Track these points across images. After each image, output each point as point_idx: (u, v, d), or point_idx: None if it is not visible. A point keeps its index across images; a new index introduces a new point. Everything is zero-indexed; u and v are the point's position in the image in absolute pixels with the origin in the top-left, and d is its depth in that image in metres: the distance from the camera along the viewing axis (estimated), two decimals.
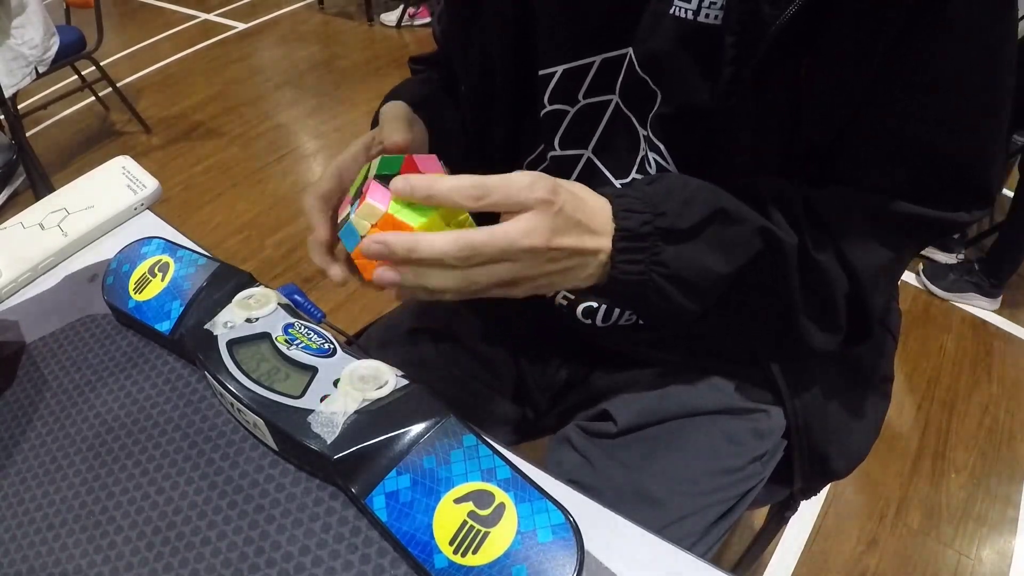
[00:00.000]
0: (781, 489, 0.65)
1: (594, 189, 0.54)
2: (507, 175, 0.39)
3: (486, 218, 0.40)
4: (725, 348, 0.57)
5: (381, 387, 0.40)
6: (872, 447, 0.64)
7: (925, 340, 1.59)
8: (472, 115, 0.58)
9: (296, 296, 0.49)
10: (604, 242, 0.41)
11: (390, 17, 3.33)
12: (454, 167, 0.56)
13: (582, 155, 0.55)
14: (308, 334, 0.44)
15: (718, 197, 0.43)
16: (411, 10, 3.27)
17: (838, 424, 0.60)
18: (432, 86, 0.63)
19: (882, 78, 0.42)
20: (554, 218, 0.39)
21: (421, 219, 0.39)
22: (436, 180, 0.38)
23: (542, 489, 0.36)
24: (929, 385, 1.48)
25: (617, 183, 0.55)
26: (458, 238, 0.37)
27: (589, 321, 0.58)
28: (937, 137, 0.44)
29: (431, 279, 0.39)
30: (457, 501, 0.35)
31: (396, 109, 0.54)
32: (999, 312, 1.66)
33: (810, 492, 0.67)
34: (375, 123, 0.58)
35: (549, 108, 0.54)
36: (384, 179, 0.40)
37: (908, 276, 1.76)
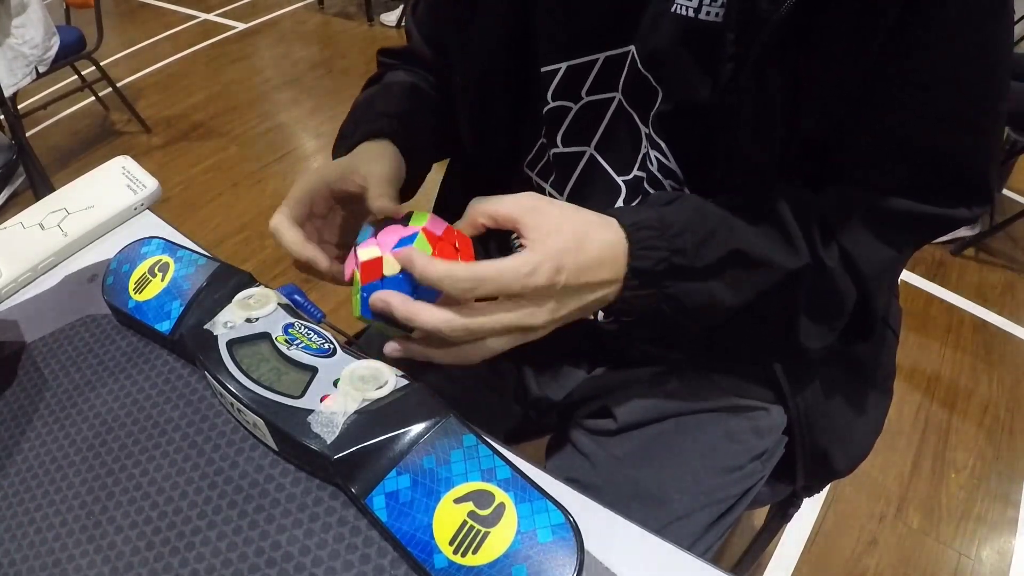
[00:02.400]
0: (783, 487, 0.65)
1: (602, 193, 0.54)
2: (502, 264, 0.38)
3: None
4: (728, 347, 0.57)
5: (381, 387, 0.40)
6: (873, 445, 0.64)
7: (925, 340, 1.59)
8: (470, 112, 0.58)
9: (296, 296, 0.49)
10: (613, 287, 0.42)
11: (390, 17, 3.33)
12: (423, 169, 0.55)
13: (584, 152, 0.55)
14: (308, 334, 0.44)
15: (735, 234, 0.43)
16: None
17: (840, 421, 0.60)
18: (411, 98, 0.61)
19: (879, 74, 0.42)
20: (555, 298, 0.40)
21: None
22: (430, 264, 0.38)
23: (542, 489, 0.36)
24: (929, 385, 1.48)
25: (619, 179, 0.55)
26: (452, 318, 0.38)
27: (591, 318, 0.58)
28: (935, 134, 0.44)
29: (432, 353, 0.41)
30: (457, 501, 0.35)
31: (383, 164, 0.50)
32: (999, 312, 1.66)
33: (812, 490, 0.67)
34: (341, 137, 0.57)
35: (552, 105, 0.54)
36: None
37: (909, 276, 1.76)
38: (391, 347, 0.43)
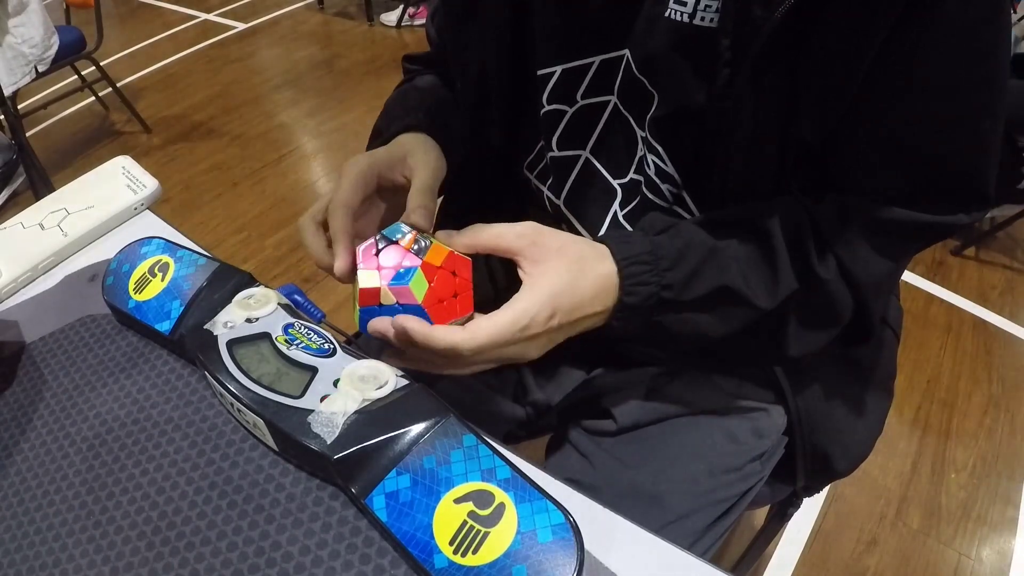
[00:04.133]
0: (783, 487, 0.65)
1: (598, 197, 0.54)
2: (502, 320, 0.40)
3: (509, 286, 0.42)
4: (726, 354, 0.57)
5: (381, 387, 0.40)
6: (874, 445, 0.64)
7: (925, 340, 1.59)
8: (469, 114, 0.58)
9: (296, 296, 0.48)
10: (602, 318, 0.44)
11: (390, 17, 3.33)
12: (458, 168, 0.56)
13: (580, 155, 0.55)
14: (308, 334, 0.44)
15: (724, 271, 0.44)
16: (411, 10, 3.27)
17: (840, 422, 0.60)
18: (438, 97, 0.62)
19: (876, 80, 0.42)
20: (550, 333, 0.42)
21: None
22: (431, 338, 0.39)
23: (542, 489, 0.36)
24: (929, 385, 1.48)
25: (615, 183, 0.55)
26: (451, 343, 0.39)
27: None
28: (932, 141, 0.44)
29: (426, 365, 0.43)
30: (457, 501, 0.35)
31: (428, 156, 0.50)
32: (999, 312, 1.66)
33: (812, 490, 0.67)
34: (375, 134, 0.58)
35: (548, 108, 0.54)
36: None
37: (909, 276, 1.76)
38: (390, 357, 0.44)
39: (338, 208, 0.46)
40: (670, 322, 0.45)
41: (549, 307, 0.40)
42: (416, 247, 0.43)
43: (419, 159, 0.50)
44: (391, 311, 0.42)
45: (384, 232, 0.44)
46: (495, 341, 0.39)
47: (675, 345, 0.47)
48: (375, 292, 0.42)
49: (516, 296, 0.41)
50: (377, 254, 0.43)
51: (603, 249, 0.43)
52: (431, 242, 0.44)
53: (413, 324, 0.39)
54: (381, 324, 0.41)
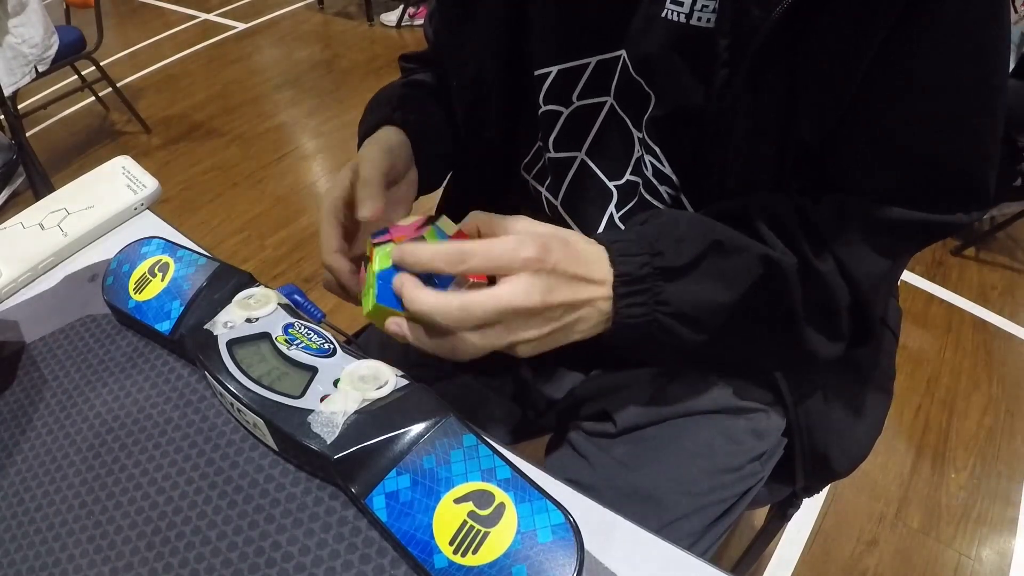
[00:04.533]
0: (783, 488, 0.65)
1: (595, 198, 0.54)
2: (491, 240, 0.38)
3: None
4: (735, 369, 0.56)
5: (381, 387, 0.40)
6: (873, 446, 0.64)
7: (925, 340, 1.59)
8: (466, 115, 0.58)
9: (296, 296, 0.49)
10: (603, 290, 0.41)
11: (390, 17, 3.33)
12: (443, 163, 0.57)
13: (576, 157, 0.55)
14: (308, 334, 0.44)
15: (711, 230, 0.43)
16: (411, 10, 3.27)
17: (840, 423, 0.60)
18: (413, 89, 0.63)
19: (874, 80, 0.42)
20: (547, 277, 0.38)
21: None
22: (418, 248, 0.38)
23: (542, 489, 0.36)
24: (929, 385, 1.48)
25: (610, 184, 0.55)
26: (447, 300, 0.37)
27: None
28: (931, 140, 0.44)
29: (429, 342, 0.40)
30: (457, 501, 0.35)
31: (372, 150, 0.51)
32: (999, 312, 1.66)
33: (812, 490, 0.67)
34: (358, 145, 0.58)
35: (544, 108, 0.54)
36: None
37: (909, 276, 1.76)
38: (393, 324, 0.41)
39: (328, 256, 0.48)
40: (673, 294, 0.42)
41: (542, 239, 0.38)
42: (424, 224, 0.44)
43: (364, 155, 0.51)
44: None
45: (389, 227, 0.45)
46: (486, 252, 0.37)
47: (689, 332, 0.44)
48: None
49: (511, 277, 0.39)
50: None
51: (589, 238, 0.43)
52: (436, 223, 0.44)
53: (407, 282, 0.39)
54: (400, 277, 0.40)
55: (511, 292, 0.37)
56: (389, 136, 0.54)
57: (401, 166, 0.53)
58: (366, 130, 0.56)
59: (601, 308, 0.41)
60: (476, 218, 0.43)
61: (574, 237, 0.41)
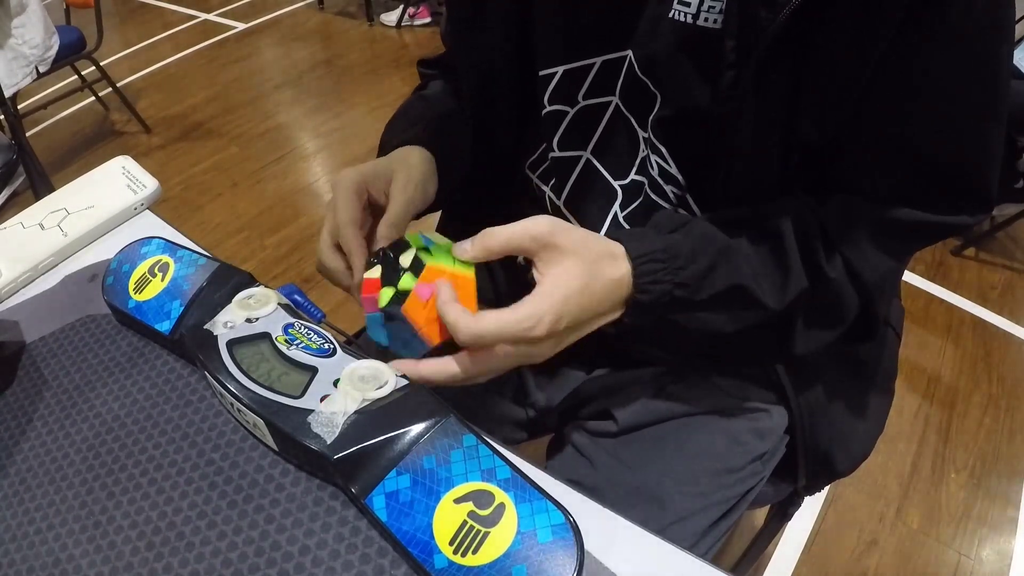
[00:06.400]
0: (784, 486, 0.65)
1: (599, 197, 0.54)
2: (507, 317, 0.39)
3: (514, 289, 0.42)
4: (729, 353, 0.57)
5: (381, 387, 0.40)
6: (875, 444, 0.64)
7: (925, 340, 1.59)
8: (474, 115, 0.58)
9: (296, 296, 0.48)
10: (612, 315, 0.43)
11: (390, 17, 3.33)
12: (461, 178, 0.56)
13: (581, 156, 0.55)
14: (308, 334, 0.44)
15: (737, 269, 0.44)
16: (411, 10, 3.27)
17: (842, 421, 0.60)
18: (441, 109, 0.61)
19: (879, 82, 0.42)
20: (558, 336, 0.41)
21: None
22: (442, 305, 0.40)
23: (542, 489, 0.36)
24: (929, 385, 1.48)
25: (615, 184, 0.55)
26: (456, 374, 0.40)
27: None
28: (935, 143, 0.44)
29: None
30: (457, 501, 0.35)
31: (407, 170, 0.50)
32: (999, 312, 1.66)
33: (813, 489, 0.67)
34: (380, 147, 0.58)
35: (549, 108, 0.54)
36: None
37: (909, 276, 1.76)
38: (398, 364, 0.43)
39: (346, 227, 0.47)
40: (681, 320, 0.44)
41: (558, 311, 0.39)
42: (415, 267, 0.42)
43: (398, 185, 0.49)
44: (394, 328, 0.42)
45: (384, 248, 0.44)
46: (498, 334, 0.38)
47: (683, 342, 0.47)
48: (375, 300, 0.42)
49: (527, 298, 0.40)
50: (382, 268, 0.43)
51: (618, 248, 0.42)
52: (429, 261, 0.42)
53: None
54: (397, 364, 0.42)
55: (518, 357, 0.41)
56: (392, 160, 0.53)
57: (381, 193, 0.51)
58: (391, 149, 0.55)
59: (608, 321, 0.43)
60: (488, 242, 0.42)
61: (598, 277, 0.41)
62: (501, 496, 0.35)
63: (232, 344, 0.43)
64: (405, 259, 0.43)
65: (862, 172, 0.46)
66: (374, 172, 0.50)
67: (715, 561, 0.39)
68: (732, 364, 0.58)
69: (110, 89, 2.44)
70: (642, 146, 0.52)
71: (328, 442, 0.37)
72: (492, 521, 0.34)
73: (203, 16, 3.58)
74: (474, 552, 0.33)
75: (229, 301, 0.46)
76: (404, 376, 0.41)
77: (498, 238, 0.41)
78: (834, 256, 0.46)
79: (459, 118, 0.60)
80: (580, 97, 0.53)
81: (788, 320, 0.47)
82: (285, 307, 0.46)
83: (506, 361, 0.40)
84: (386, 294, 0.41)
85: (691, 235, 0.44)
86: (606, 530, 0.39)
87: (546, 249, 0.40)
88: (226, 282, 0.48)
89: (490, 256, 0.42)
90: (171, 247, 0.52)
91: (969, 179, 0.45)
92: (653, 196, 0.53)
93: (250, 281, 0.49)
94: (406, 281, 0.41)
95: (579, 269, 0.40)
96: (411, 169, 0.51)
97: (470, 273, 0.43)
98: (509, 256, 0.43)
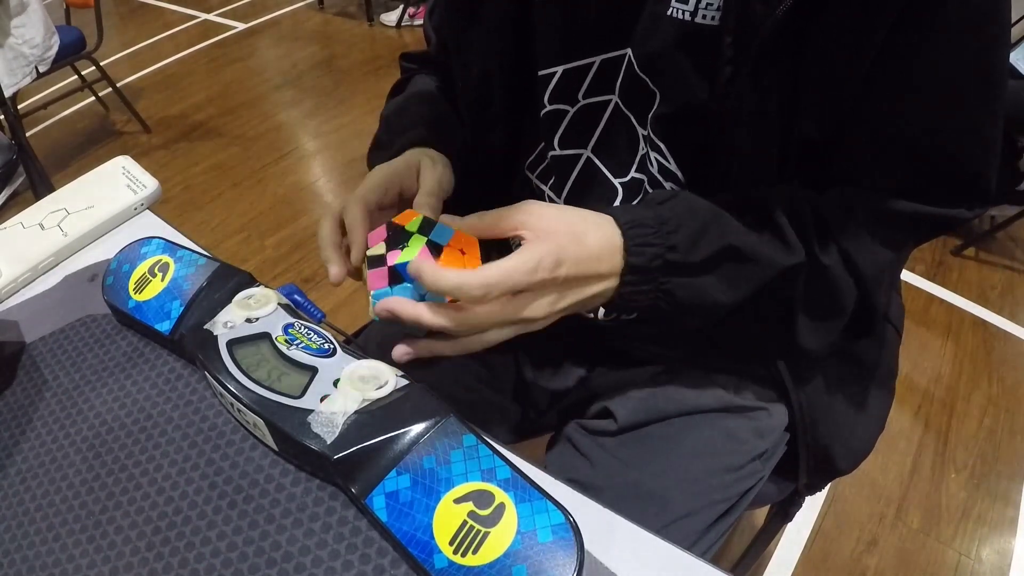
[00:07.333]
0: (785, 485, 0.65)
1: (600, 196, 0.54)
2: (509, 264, 0.39)
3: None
4: (730, 346, 0.57)
5: (381, 387, 0.40)
6: (875, 443, 0.64)
7: (925, 340, 1.59)
8: (470, 115, 0.58)
9: (296, 296, 0.49)
10: (610, 282, 0.43)
11: (390, 17, 3.33)
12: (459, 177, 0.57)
13: (581, 154, 0.55)
14: (308, 334, 0.44)
15: (728, 230, 0.44)
16: (411, 10, 3.27)
17: (843, 419, 0.60)
18: (437, 110, 0.62)
19: (877, 76, 0.42)
20: (559, 288, 0.41)
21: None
22: (441, 277, 0.39)
23: (542, 489, 0.36)
24: (929, 385, 1.48)
25: (616, 182, 0.55)
26: (456, 317, 0.40)
27: (591, 316, 0.58)
28: (934, 135, 0.44)
29: (436, 348, 0.43)
30: (457, 501, 0.35)
31: (437, 170, 0.52)
32: (999, 312, 1.66)
33: (814, 488, 0.67)
34: (376, 145, 0.59)
35: (549, 108, 0.54)
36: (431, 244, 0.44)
37: (909, 276, 1.76)
38: (400, 351, 0.44)
39: (355, 201, 0.47)
40: (678, 287, 0.44)
41: (555, 254, 0.40)
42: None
43: (427, 169, 0.51)
44: (403, 291, 0.43)
45: (392, 220, 0.45)
46: (503, 279, 0.39)
47: (684, 318, 0.46)
48: (383, 273, 0.43)
49: (523, 245, 0.40)
50: (387, 239, 0.44)
51: (605, 217, 0.43)
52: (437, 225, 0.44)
53: (424, 267, 0.39)
54: (387, 303, 0.42)
55: (520, 308, 0.41)
56: (412, 156, 0.54)
57: (412, 184, 0.52)
58: (392, 153, 0.55)
59: (605, 292, 0.43)
60: (479, 222, 0.44)
61: (588, 233, 0.42)
62: (501, 496, 0.35)
63: (232, 344, 0.43)
64: (413, 226, 0.44)
65: (860, 166, 0.47)
66: (406, 164, 0.51)
67: (715, 560, 0.39)
68: (733, 358, 0.58)
69: (110, 89, 2.44)
70: (642, 144, 0.52)
71: (328, 442, 0.37)
72: (492, 521, 0.34)
73: (203, 16, 3.58)
74: (474, 552, 0.33)
75: (229, 301, 0.46)
76: (404, 376, 0.41)
77: (487, 219, 0.43)
78: (829, 244, 0.46)
79: (453, 119, 0.61)
80: (580, 96, 0.53)
81: (787, 306, 0.47)
82: (285, 307, 0.46)
83: (508, 313, 0.41)
84: (403, 254, 0.42)
85: (679, 204, 0.45)
86: (606, 529, 0.39)
87: (531, 216, 0.42)
88: (226, 282, 0.48)
89: (483, 223, 0.44)
90: (171, 247, 0.52)
91: (967, 172, 0.46)
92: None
93: (250, 281, 0.49)
94: (416, 241, 0.43)
95: (567, 225, 0.42)
96: (435, 157, 0.54)
97: (474, 238, 0.44)
98: (503, 247, 0.43)
